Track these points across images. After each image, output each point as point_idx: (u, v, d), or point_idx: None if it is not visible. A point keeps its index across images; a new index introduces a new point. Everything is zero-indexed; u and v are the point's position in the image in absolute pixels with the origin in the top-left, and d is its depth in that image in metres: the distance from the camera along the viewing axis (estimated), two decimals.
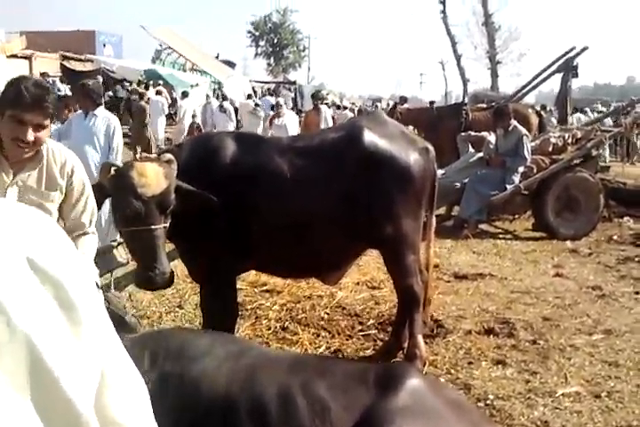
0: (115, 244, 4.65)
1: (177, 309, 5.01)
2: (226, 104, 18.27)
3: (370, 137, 3.72)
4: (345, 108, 22.62)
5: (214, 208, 3.40)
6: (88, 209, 3.08)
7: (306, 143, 3.82)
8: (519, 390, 3.82)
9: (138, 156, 3.71)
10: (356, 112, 22.20)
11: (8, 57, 21.75)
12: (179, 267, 5.01)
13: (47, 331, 0.76)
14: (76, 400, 0.77)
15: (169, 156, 3.43)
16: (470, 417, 2.26)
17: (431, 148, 4.00)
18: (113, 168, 3.31)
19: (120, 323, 3.31)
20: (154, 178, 3.20)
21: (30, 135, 2.66)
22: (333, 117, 20.30)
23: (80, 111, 6.42)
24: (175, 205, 3.30)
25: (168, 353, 2.18)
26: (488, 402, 3.66)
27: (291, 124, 12.45)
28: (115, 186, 3.26)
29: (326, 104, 26.74)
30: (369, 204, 3.69)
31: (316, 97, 13.85)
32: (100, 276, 4.20)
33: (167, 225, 3.30)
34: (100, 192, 3.25)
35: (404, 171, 3.75)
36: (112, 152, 5.97)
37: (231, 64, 38.00)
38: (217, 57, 36.83)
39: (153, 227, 3.19)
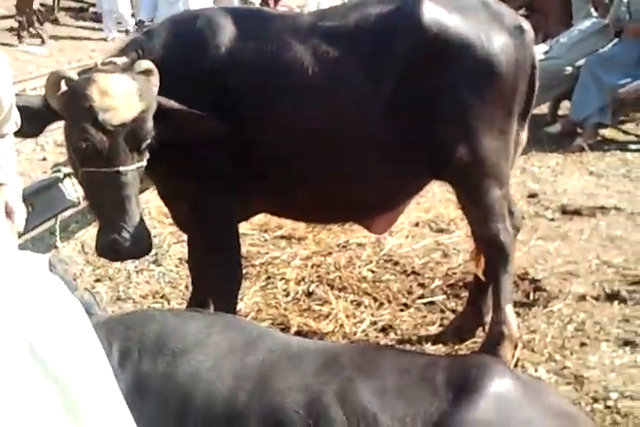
0: (60, 174, 4.35)
1: (152, 265, 4.35)
2: None
3: (433, 12, 3.25)
4: None
5: (218, 135, 3.03)
6: (13, 117, 2.73)
7: (336, 23, 3.33)
8: None
9: (98, 60, 2.98)
10: None
11: None
12: (152, 202, 4.62)
13: None
14: None
15: (146, 63, 2.96)
16: None
17: (527, 26, 3.43)
18: (64, 80, 2.84)
19: None
20: (123, 98, 2.79)
21: None
22: None
23: None
24: (155, 135, 2.91)
25: (144, 347, 2.07)
26: (609, 403, 3.24)
27: None
28: (67, 108, 2.84)
29: None
30: (433, 113, 3.26)
31: None
32: (42, 222, 4.14)
33: (143, 165, 2.92)
34: (48, 114, 2.89)
35: (485, 63, 3.27)
36: None
37: None
38: None
39: (121, 169, 2.83)
